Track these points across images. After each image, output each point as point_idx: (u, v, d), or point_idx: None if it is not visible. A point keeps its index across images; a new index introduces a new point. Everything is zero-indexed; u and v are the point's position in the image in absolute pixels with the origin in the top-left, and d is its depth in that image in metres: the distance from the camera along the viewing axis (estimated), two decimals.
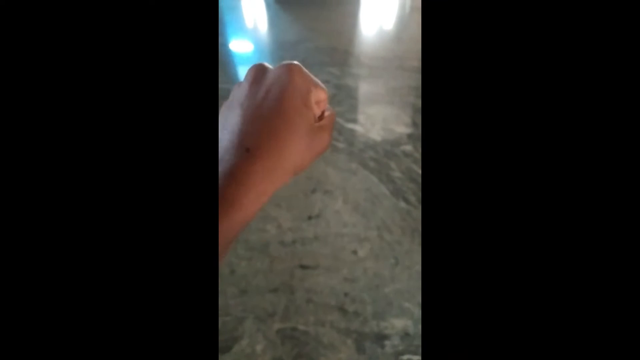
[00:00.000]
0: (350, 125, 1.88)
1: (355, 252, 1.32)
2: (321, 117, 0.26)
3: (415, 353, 1.01)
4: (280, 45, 2.59)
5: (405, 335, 1.05)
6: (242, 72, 2.45)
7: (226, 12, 3.15)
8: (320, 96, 0.26)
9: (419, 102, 1.99)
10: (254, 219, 1.45)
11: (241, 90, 0.25)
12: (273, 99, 0.23)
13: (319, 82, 0.27)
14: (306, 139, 0.23)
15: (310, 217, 1.45)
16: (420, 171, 1.62)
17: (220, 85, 2.06)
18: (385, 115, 1.92)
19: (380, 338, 1.05)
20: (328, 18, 2.95)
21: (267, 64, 0.27)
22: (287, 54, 2.49)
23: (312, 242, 1.35)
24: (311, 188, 1.56)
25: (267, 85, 0.24)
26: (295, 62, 0.26)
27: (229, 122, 0.23)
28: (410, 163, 1.62)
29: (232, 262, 1.28)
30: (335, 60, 2.41)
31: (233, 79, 2.11)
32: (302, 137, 0.23)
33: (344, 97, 2.09)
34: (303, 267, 1.28)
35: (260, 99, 0.24)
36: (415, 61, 2.33)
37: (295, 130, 0.23)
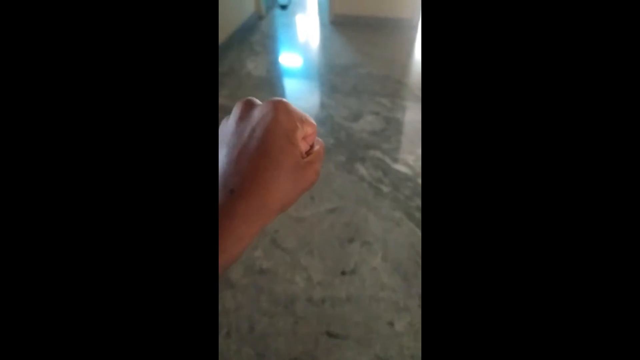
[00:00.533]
0: (397, 167, 1.72)
1: (391, 324, 1.15)
2: (309, 151, 0.26)
3: None
4: (331, 69, 2.51)
5: None
6: (291, 88, 2.37)
7: (280, 29, 3.13)
8: (307, 131, 0.26)
9: None
10: (283, 268, 1.29)
11: (228, 128, 0.25)
12: (258, 138, 0.23)
13: (307, 116, 0.26)
14: (292, 176, 0.23)
15: (344, 272, 1.30)
16: None
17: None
18: None
19: None
20: (383, 44, 2.83)
21: (255, 100, 0.26)
22: (337, 78, 2.40)
23: (344, 304, 1.20)
24: (349, 236, 1.41)
25: (252, 123, 0.24)
26: (282, 99, 0.25)
27: (220, 160, 0.24)
28: None
29: (253, 317, 1.16)
30: (386, 90, 2.27)
31: (282, 94, 2.03)
32: (287, 176, 0.23)
33: (393, 133, 1.94)
34: (330, 334, 1.13)
35: (246, 137, 0.24)
36: None
37: (280, 169, 0.23)
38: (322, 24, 3.26)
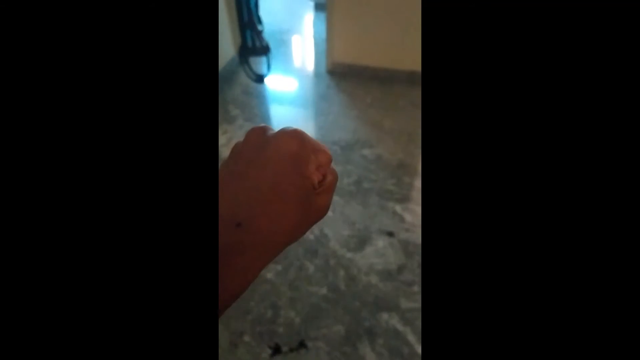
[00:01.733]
0: None
1: None
2: (322, 181, 0.24)
3: None
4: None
5: None
6: None
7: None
8: (321, 161, 0.24)
9: None
10: None
11: (239, 157, 0.24)
12: (270, 170, 0.22)
13: (321, 146, 0.25)
14: (302, 210, 0.22)
15: None
16: None
17: None
18: None
19: None
20: (397, 107, 2.24)
21: (268, 128, 0.25)
22: (335, 166, 1.78)
23: None
24: None
25: (264, 153, 0.23)
26: (296, 129, 0.24)
27: (224, 190, 0.22)
28: None
29: None
30: (403, 189, 1.68)
31: None
32: (297, 209, 0.22)
33: (417, 274, 1.31)
34: None
35: (257, 168, 0.22)
36: None
37: (290, 202, 0.22)
38: (318, 75, 2.63)
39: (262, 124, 0.25)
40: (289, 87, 2.50)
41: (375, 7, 2.23)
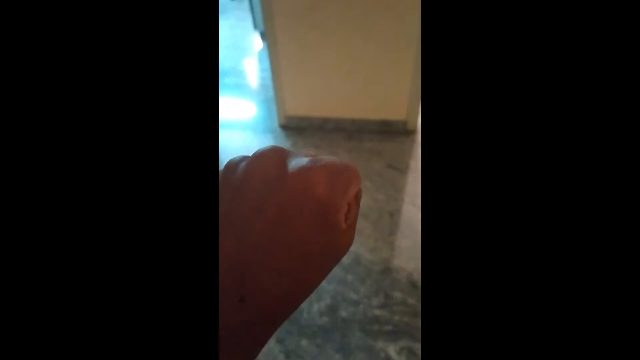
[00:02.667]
0: None
1: None
2: (347, 214, 0.18)
3: None
4: None
5: None
6: None
7: None
8: (350, 195, 0.18)
9: None
10: None
11: (241, 195, 0.17)
12: (288, 226, 0.16)
13: (352, 174, 0.18)
14: (327, 268, 0.18)
15: None
16: None
17: None
18: None
19: None
20: (371, 173, 1.78)
21: (284, 154, 0.18)
22: None
23: None
24: None
25: (280, 198, 0.16)
26: (323, 158, 0.18)
27: (221, 243, 0.16)
28: None
29: None
30: (402, 324, 1.19)
31: None
32: (321, 271, 0.17)
33: None
34: None
35: (268, 221, 0.16)
36: None
37: (314, 268, 0.17)
38: (267, 130, 2.12)
39: (277, 147, 0.18)
40: (232, 145, 1.98)
41: (332, 45, 1.77)
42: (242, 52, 2.99)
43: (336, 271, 1.33)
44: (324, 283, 1.29)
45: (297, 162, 0.18)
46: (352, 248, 1.38)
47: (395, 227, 1.49)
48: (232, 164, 0.19)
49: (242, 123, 2.20)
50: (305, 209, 0.16)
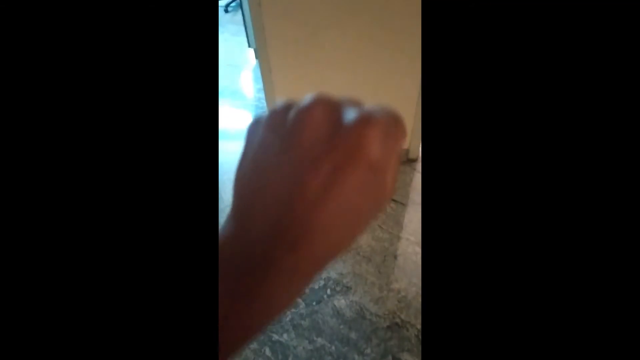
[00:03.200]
0: None
1: None
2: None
3: None
4: None
5: None
6: None
7: None
8: (400, 151, 0.18)
9: None
10: None
11: (291, 151, 0.17)
12: (339, 185, 0.16)
13: (401, 125, 0.18)
14: (372, 219, 0.18)
15: None
16: None
17: None
18: None
19: None
20: None
21: (334, 105, 0.18)
22: (293, 334, 1.16)
23: None
24: None
25: (333, 158, 0.16)
26: (376, 115, 0.17)
27: (269, 192, 0.17)
28: None
29: None
30: None
31: None
32: (368, 222, 0.18)
33: None
34: None
35: (321, 179, 0.16)
36: None
37: (363, 220, 0.18)
38: None
39: (325, 97, 0.18)
40: (227, 155, 1.87)
41: (330, 72, 1.66)
42: (235, 68, 2.88)
43: (339, 327, 1.22)
44: (326, 342, 1.18)
45: (350, 115, 0.17)
46: (355, 298, 1.28)
47: (401, 272, 1.38)
48: (279, 112, 0.18)
49: (237, 133, 2.10)
50: (359, 169, 0.16)
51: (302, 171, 0.17)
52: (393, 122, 0.18)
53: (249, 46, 3.02)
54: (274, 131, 0.18)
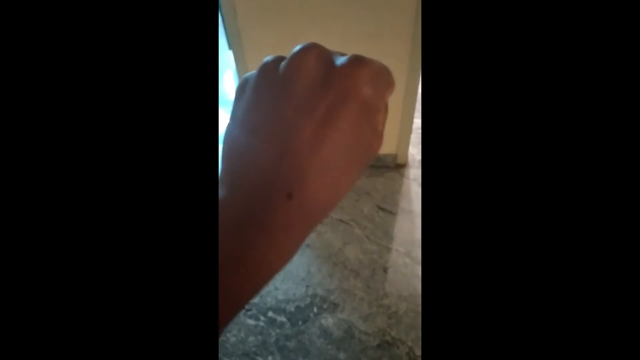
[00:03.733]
0: None
1: None
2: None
3: None
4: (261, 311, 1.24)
5: None
6: None
7: None
8: (389, 95, 0.19)
9: None
10: None
11: (285, 98, 0.17)
12: (333, 126, 0.16)
13: (389, 75, 0.18)
14: (365, 166, 0.18)
15: None
16: None
17: None
18: None
19: None
20: (361, 222, 1.61)
21: (324, 50, 0.18)
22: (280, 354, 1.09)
23: None
24: None
25: (326, 98, 0.17)
26: (361, 57, 0.18)
27: (263, 144, 0.17)
28: None
29: None
30: None
31: None
32: (361, 170, 0.18)
33: None
34: None
35: (316, 122, 0.16)
36: None
37: (356, 166, 0.18)
38: None
39: (312, 43, 0.18)
40: None
41: None
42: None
43: (326, 348, 1.15)
44: None
45: (340, 58, 0.17)
46: (343, 315, 1.22)
47: (391, 285, 1.33)
48: (270, 64, 0.18)
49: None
50: (351, 108, 0.17)
51: (297, 116, 0.16)
52: (382, 67, 0.18)
53: (229, 48, 2.93)
54: (266, 81, 0.18)
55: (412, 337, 1.18)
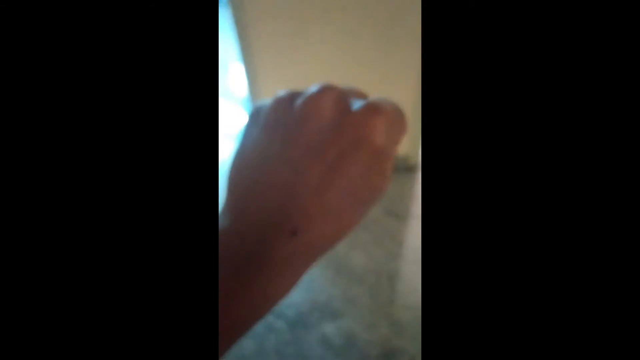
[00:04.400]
0: None
1: None
2: None
3: None
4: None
5: None
6: None
7: None
8: (401, 141, 0.19)
9: None
10: None
11: (296, 139, 0.17)
12: (344, 170, 0.16)
13: (403, 117, 0.18)
14: (371, 207, 0.18)
15: None
16: None
17: None
18: None
19: None
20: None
21: (340, 94, 0.18)
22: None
23: None
24: None
25: (339, 145, 0.17)
26: (381, 105, 0.17)
27: (271, 181, 0.17)
28: None
29: None
30: None
31: None
32: (368, 210, 0.18)
33: None
34: None
35: (326, 165, 0.16)
36: None
37: (363, 208, 0.17)
38: None
39: (328, 86, 0.18)
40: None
41: (319, 70, 1.55)
42: (221, 65, 2.78)
43: (326, 355, 1.11)
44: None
45: (357, 104, 0.17)
46: (345, 323, 1.18)
47: (396, 294, 1.28)
48: (284, 101, 0.18)
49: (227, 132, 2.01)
50: (363, 156, 0.16)
51: (308, 158, 0.17)
52: (398, 113, 0.18)
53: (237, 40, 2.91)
54: (278, 120, 0.18)
55: (415, 347, 1.13)
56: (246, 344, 1.16)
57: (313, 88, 0.18)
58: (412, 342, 1.15)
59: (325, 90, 0.18)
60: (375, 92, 0.18)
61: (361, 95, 0.19)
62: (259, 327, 1.20)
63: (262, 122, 0.18)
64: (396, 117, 0.18)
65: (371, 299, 1.27)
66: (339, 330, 1.18)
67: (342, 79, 1.49)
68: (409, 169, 1.79)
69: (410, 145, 1.73)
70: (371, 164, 0.17)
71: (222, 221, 0.18)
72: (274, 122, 0.18)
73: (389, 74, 1.53)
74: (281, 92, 0.19)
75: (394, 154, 0.18)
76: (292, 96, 0.18)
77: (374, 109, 0.17)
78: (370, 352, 1.13)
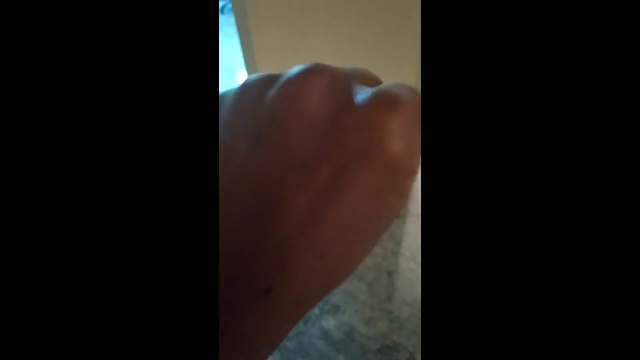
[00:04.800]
0: None
1: None
2: None
3: None
4: None
5: None
6: None
7: None
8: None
9: None
10: None
11: (272, 151, 0.11)
12: (341, 198, 0.11)
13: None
14: (379, 237, 0.13)
15: None
16: None
17: None
18: None
19: None
20: None
21: (336, 78, 0.12)
22: None
23: None
24: None
25: (335, 160, 0.11)
26: (399, 95, 0.12)
27: (230, 218, 0.11)
28: None
29: None
30: None
31: None
32: (372, 244, 0.12)
33: None
34: None
35: (316, 193, 0.11)
36: None
37: (365, 244, 0.12)
38: None
39: (318, 65, 0.12)
40: None
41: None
42: (230, 71, 2.82)
43: (326, 350, 1.14)
44: None
45: (361, 92, 0.12)
46: (344, 318, 1.20)
47: (394, 290, 1.30)
48: (254, 88, 0.12)
49: None
50: (371, 173, 0.11)
51: (287, 179, 0.11)
52: (420, 105, 0.13)
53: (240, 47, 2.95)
54: (243, 117, 0.12)
55: (413, 343, 1.16)
56: None
57: (296, 69, 0.12)
58: (410, 337, 1.17)
59: (314, 72, 0.12)
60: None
61: (368, 80, 0.14)
62: None
63: (222, 118, 0.13)
64: (419, 109, 0.13)
65: (370, 294, 1.29)
66: (339, 325, 1.20)
67: None
68: None
69: None
70: (384, 183, 0.12)
71: None
72: (237, 122, 0.12)
73: (389, 78, 1.56)
74: (253, 75, 0.13)
75: (417, 164, 0.13)
76: (266, 81, 0.13)
77: (387, 100, 0.12)
78: (370, 346, 1.15)
